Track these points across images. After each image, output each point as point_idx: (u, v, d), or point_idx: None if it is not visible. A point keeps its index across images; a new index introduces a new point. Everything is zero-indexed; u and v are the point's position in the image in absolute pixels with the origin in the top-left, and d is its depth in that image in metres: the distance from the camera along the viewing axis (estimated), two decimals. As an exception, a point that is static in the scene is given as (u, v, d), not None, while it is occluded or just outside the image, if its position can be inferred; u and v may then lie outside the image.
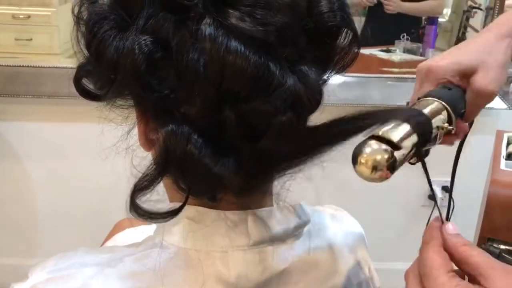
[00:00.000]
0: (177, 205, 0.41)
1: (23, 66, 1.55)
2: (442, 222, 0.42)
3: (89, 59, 0.42)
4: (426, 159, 0.43)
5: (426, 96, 0.49)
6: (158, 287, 0.43)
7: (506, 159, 1.26)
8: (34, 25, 1.65)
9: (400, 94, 1.46)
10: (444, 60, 0.53)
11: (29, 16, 1.63)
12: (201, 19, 0.36)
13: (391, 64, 1.75)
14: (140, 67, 0.37)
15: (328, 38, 0.42)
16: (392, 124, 0.38)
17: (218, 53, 0.35)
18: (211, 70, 0.36)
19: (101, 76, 0.42)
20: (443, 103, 0.47)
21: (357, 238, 0.58)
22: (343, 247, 0.55)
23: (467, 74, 0.52)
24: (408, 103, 0.54)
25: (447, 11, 1.83)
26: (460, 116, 0.50)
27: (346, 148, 0.39)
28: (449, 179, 0.53)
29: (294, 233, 0.49)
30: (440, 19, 1.79)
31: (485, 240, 1.09)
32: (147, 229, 0.69)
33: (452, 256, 0.40)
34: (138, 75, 0.37)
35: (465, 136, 0.54)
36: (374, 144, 0.37)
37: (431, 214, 0.45)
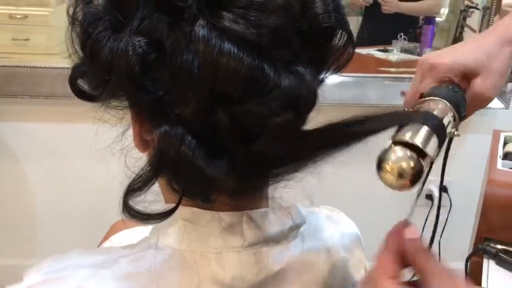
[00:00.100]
0: (170, 206, 0.41)
1: (20, 66, 1.55)
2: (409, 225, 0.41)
3: (84, 60, 0.42)
4: None
5: (430, 94, 0.48)
6: None
7: (503, 159, 1.26)
8: (31, 25, 1.64)
9: (397, 94, 1.44)
10: (449, 58, 0.53)
11: (26, 16, 1.62)
12: (195, 20, 0.36)
13: (389, 63, 1.75)
14: (134, 68, 0.37)
15: (323, 39, 0.42)
16: (412, 129, 0.37)
17: (211, 55, 0.35)
18: (204, 71, 0.36)
19: (95, 77, 0.42)
20: (450, 105, 0.46)
21: (353, 239, 0.58)
22: (339, 248, 0.55)
23: (468, 76, 0.52)
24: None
25: (444, 11, 1.83)
26: (461, 119, 0.50)
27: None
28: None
29: (289, 234, 0.49)
30: (437, 19, 1.79)
31: (482, 239, 1.09)
32: (144, 230, 0.69)
33: (405, 261, 0.39)
34: (132, 76, 0.37)
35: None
36: (399, 150, 0.36)
37: (409, 213, 0.44)
